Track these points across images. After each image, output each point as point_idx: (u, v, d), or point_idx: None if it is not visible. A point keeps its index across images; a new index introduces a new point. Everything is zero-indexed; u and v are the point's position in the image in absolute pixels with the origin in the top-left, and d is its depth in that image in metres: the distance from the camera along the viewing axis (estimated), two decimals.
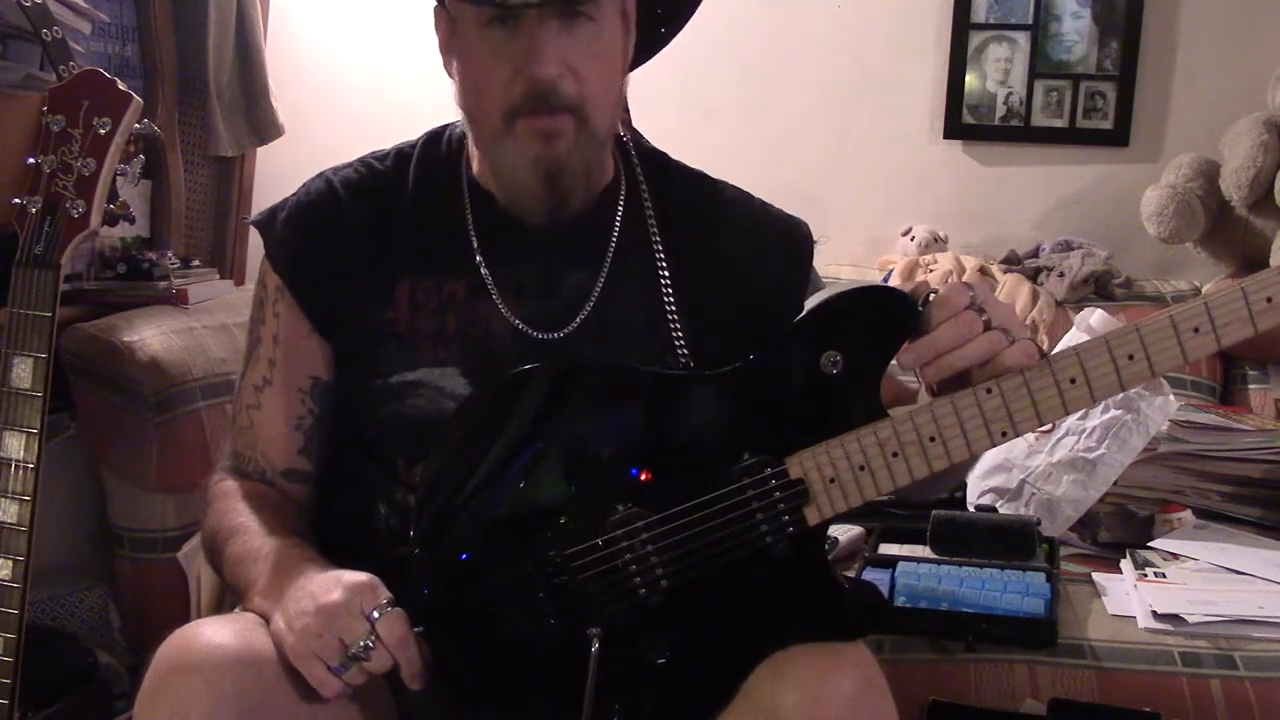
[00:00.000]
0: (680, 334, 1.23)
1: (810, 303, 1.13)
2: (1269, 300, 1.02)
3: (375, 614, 1.03)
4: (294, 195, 1.29)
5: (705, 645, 1.11)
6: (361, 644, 1.02)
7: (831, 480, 1.08)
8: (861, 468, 1.07)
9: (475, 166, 1.27)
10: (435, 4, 1.22)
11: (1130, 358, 1.04)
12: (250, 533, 1.18)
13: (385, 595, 1.05)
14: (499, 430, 1.12)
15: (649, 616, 1.10)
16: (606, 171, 1.27)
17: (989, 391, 1.05)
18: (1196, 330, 1.03)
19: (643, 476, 1.11)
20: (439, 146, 1.30)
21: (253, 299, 1.30)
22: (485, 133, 1.19)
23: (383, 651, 1.03)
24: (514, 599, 1.10)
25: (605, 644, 1.07)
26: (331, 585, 1.04)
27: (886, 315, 1.08)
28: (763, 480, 1.09)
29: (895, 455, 1.07)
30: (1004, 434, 1.06)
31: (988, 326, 1.04)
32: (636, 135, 1.32)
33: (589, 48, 1.16)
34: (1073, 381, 1.04)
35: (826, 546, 1.70)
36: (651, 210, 1.28)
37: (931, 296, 1.07)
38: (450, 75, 1.23)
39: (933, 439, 1.06)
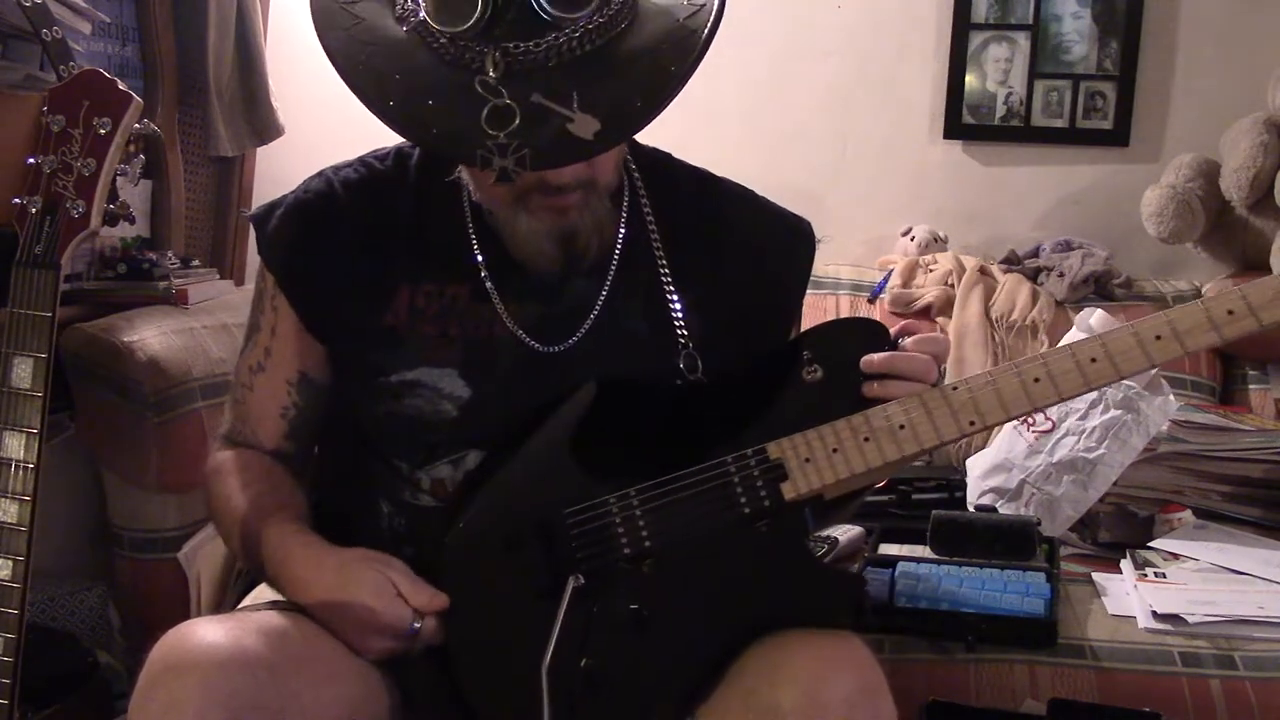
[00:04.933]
0: (686, 339, 1.24)
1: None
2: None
3: (416, 625, 1.12)
4: (293, 193, 1.29)
5: (682, 612, 1.15)
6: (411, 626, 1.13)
7: (807, 460, 1.17)
8: (834, 450, 1.16)
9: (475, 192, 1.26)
10: None
11: (1093, 360, 1.14)
12: (247, 520, 1.22)
13: (401, 619, 1.12)
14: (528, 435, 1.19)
15: (631, 574, 1.15)
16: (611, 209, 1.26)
17: (955, 389, 1.16)
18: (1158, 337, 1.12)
19: (642, 459, 1.18)
20: None
21: (254, 284, 1.32)
22: (493, 204, 1.20)
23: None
24: (514, 557, 1.16)
25: (582, 592, 1.13)
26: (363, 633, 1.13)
27: (860, 335, 1.20)
28: (743, 457, 1.16)
29: (867, 440, 1.16)
30: (972, 423, 1.15)
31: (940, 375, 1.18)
32: (633, 142, 1.30)
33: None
34: (1036, 380, 1.14)
35: (826, 546, 1.70)
36: (652, 217, 1.28)
37: (905, 340, 1.18)
38: None
39: (902, 427, 1.16)
